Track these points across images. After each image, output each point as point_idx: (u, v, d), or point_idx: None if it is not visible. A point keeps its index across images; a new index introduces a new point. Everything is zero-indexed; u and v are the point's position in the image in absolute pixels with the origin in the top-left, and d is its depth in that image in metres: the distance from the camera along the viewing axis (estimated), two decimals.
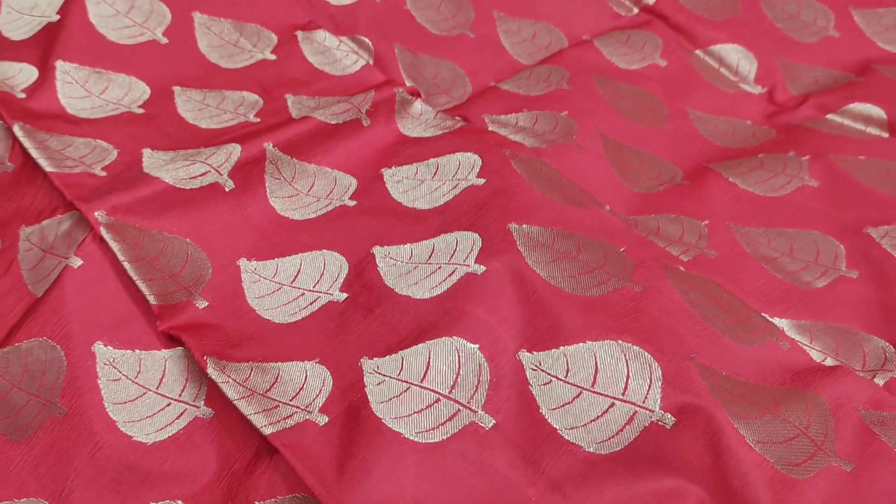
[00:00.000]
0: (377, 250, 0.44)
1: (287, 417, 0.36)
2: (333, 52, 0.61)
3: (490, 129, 0.55)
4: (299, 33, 0.62)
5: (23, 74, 0.52)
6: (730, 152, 0.58)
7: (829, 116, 0.60)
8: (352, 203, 0.48)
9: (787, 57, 0.65)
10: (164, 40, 0.58)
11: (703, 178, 0.53)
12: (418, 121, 0.55)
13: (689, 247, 0.47)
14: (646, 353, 0.36)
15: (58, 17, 0.56)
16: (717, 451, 0.33)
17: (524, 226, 0.43)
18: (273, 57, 0.59)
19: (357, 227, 0.47)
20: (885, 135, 0.58)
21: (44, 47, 0.53)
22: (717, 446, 0.33)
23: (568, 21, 0.68)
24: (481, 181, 0.47)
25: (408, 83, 0.60)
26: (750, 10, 0.69)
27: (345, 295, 0.43)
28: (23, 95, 0.50)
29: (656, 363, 0.36)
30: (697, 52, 0.66)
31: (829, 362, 0.40)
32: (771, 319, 0.43)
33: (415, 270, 0.43)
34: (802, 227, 0.49)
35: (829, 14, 0.68)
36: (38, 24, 0.55)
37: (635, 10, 0.69)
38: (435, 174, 0.49)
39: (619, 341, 0.37)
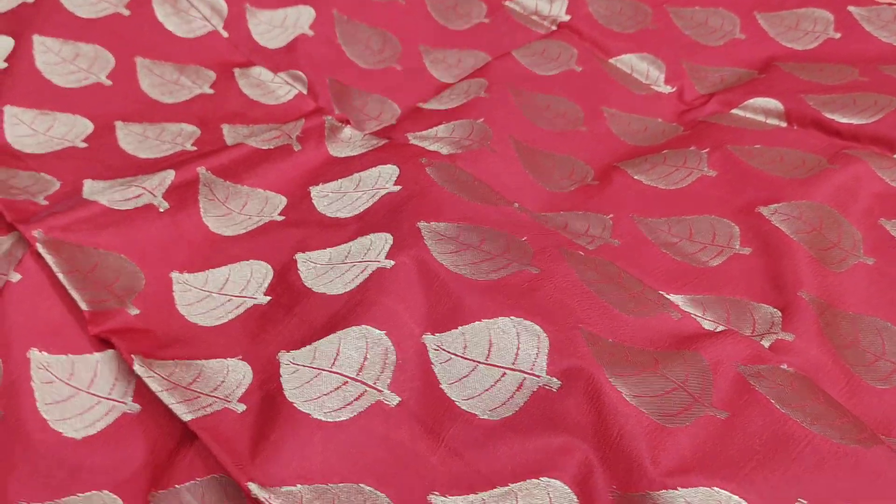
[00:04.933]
0: (299, 256, 0.48)
1: (207, 406, 0.39)
2: (268, 85, 0.66)
3: (412, 142, 0.59)
4: (236, 70, 0.66)
5: None
6: (639, 150, 0.62)
7: (733, 111, 0.65)
8: (280, 218, 0.52)
9: (693, 60, 0.70)
10: (108, 82, 0.62)
11: (610, 178, 0.57)
12: (347, 143, 0.59)
13: (593, 238, 0.51)
14: (536, 326, 0.40)
15: (5, 63, 0.60)
16: (597, 407, 0.36)
17: (432, 223, 0.47)
18: (211, 91, 0.64)
19: (283, 238, 0.51)
20: (783, 125, 0.62)
21: None
22: (598, 403, 0.36)
23: (491, 45, 0.73)
24: (398, 188, 0.51)
25: (337, 111, 0.65)
26: (660, 21, 0.74)
27: (268, 298, 0.46)
28: None
29: (544, 333, 0.39)
30: (610, 60, 0.71)
31: (720, 330, 0.43)
32: (667, 296, 0.46)
33: (331, 270, 0.46)
34: (701, 213, 0.53)
35: (735, 19, 0.73)
36: None
37: (553, 29, 0.74)
38: (357, 186, 0.53)
39: (512, 317, 0.40)
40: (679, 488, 0.33)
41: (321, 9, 0.71)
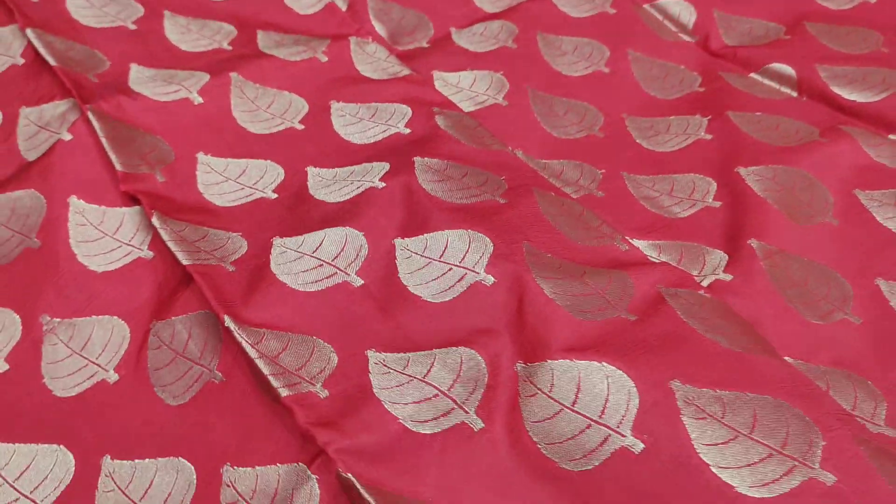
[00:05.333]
0: (310, 169, 0.56)
1: (204, 259, 0.48)
2: None
3: (435, 84, 0.65)
4: None
5: None
6: (654, 102, 0.66)
7: (752, 75, 0.67)
8: (300, 127, 0.61)
9: (724, 10, 0.74)
10: None
11: (615, 133, 0.62)
12: (371, 58, 0.65)
13: (580, 188, 0.57)
14: (486, 238, 0.47)
15: None
16: (519, 298, 0.44)
17: (426, 158, 0.54)
18: None
19: (299, 148, 0.59)
20: (794, 94, 0.65)
21: None
22: (520, 295, 0.44)
23: None
24: (407, 131, 0.59)
25: (375, 24, 0.71)
26: None
27: (276, 195, 0.55)
28: (36, 0, 0.64)
29: (491, 243, 0.47)
30: (645, 6, 0.74)
31: (659, 261, 0.49)
32: (631, 240, 0.51)
33: (334, 184, 0.55)
34: (686, 173, 0.57)
35: None
36: None
37: None
38: (373, 116, 0.61)
39: (469, 230, 0.48)
40: (574, 360, 0.40)
41: None
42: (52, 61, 0.58)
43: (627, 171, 0.58)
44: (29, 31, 0.60)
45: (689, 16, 0.73)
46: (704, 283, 0.47)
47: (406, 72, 0.65)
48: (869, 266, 0.49)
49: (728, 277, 0.47)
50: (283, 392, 0.39)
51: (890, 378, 0.43)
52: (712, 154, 0.58)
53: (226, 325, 0.42)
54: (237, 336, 0.42)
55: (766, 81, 0.66)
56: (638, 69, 0.68)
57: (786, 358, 0.43)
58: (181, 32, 0.66)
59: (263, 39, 0.67)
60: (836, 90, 0.62)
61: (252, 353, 0.41)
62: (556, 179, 0.56)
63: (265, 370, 0.40)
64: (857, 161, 0.55)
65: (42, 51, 0.59)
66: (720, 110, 0.62)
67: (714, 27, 0.72)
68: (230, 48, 0.66)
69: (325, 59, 0.65)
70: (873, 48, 0.65)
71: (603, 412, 0.38)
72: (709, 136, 0.59)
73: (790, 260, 0.49)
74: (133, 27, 0.66)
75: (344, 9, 0.72)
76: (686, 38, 0.72)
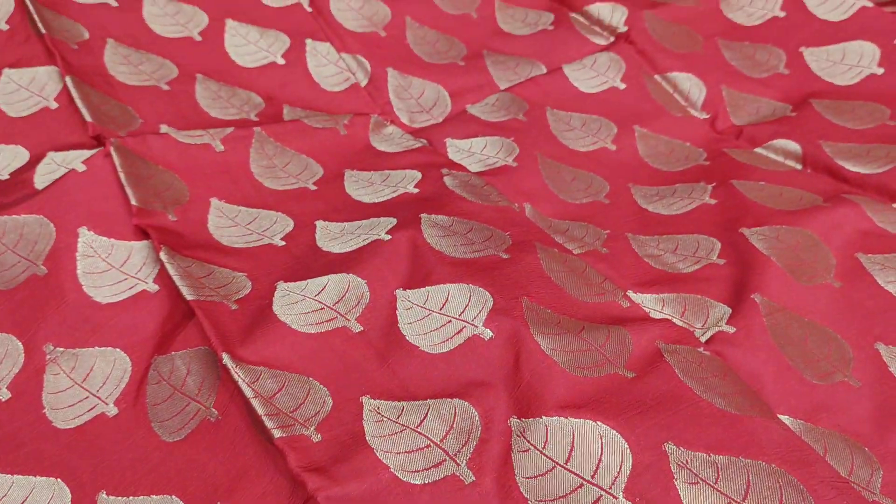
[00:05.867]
0: (319, 223, 0.58)
1: (208, 296, 0.49)
2: (331, 67, 0.76)
3: (448, 150, 0.68)
4: (308, 41, 0.76)
5: (76, 30, 0.69)
6: (659, 173, 0.68)
7: (756, 150, 0.69)
8: (313, 188, 0.63)
9: (734, 88, 0.75)
10: (199, 38, 0.74)
11: (621, 199, 0.64)
12: (387, 138, 0.69)
13: (585, 244, 0.58)
14: (486, 292, 0.48)
15: (116, 3, 0.72)
16: (516, 353, 0.44)
17: (433, 215, 0.56)
18: (282, 61, 0.75)
19: (310, 204, 0.61)
20: (799, 167, 0.66)
21: (98, 22, 0.70)
22: (517, 350, 0.44)
23: (548, 55, 0.80)
24: (416, 190, 0.61)
25: (394, 101, 0.74)
26: (709, 49, 0.79)
27: (283, 243, 0.56)
28: (75, 47, 0.67)
29: (491, 298, 0.47)
30: (656, 76, 0.77)
31: (677, 322, 0.49)
32: (635, 294, 0.52)
33: (340, 237, 0.56)
34: (691, 233, 0.58)
35: (781, 55, 0.78)
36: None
37: (612, 39, 0.80)
38: (384, 181, 0.63)
39: (469, 284, 0.48)
40: (569, 418, 0.40)
41: (396, 13, 0.80)
42: (87, 116, 0.60)
43: (632, 233, 0.59)
44: (68, 79, 0.63)
45: (699, 92, 0.75)
46: (707, 335, 0.48)
47: (419, 144, 0.68)
48: (869, 329, 0.49)
49: (731, 329, 0.48)
50: (277, 433, 0.39)
51: (888, 444, 0.43)
52: (716, 217, 0.59)
53: (223, 362, 0.43)
54: (234, 374, 0.42)
55: (771, 156, 0.68)
56: (643, 146, 0.70)
57: (784, 417, 0.43)
58: (212, 98, 0.69)
59: (289, 114, 0.70)
60: (841, 163, 0.63)
61: (248, 391, 0.41)
62: (560, 236, 0.57)
63: (260, 410, 0.40)
64: (861, 226, 0.56)
65: (78, 103, 0.61)
66: (724, 179, 0.63)
67: (723, 105, 0.74)
68: (256, 119, 0.69)
69: (344, 132, 0.68)
70: (879, 122, 0.67)
71: (595, 472, 0.38)
72: (713, 201, 0.61)
73: (791, 318, 0.49)
74: (166, 88, 0.68)
75: (364, 83, 0.75)
76: (695, 113, 0.74)
